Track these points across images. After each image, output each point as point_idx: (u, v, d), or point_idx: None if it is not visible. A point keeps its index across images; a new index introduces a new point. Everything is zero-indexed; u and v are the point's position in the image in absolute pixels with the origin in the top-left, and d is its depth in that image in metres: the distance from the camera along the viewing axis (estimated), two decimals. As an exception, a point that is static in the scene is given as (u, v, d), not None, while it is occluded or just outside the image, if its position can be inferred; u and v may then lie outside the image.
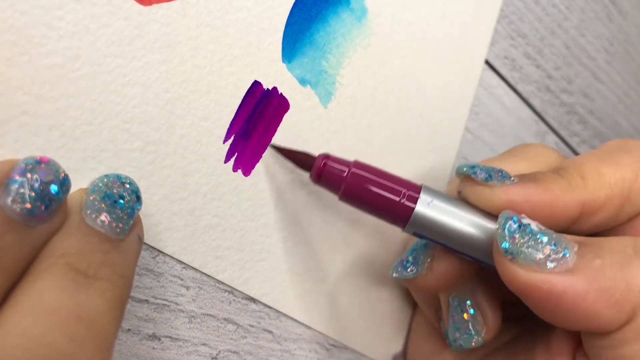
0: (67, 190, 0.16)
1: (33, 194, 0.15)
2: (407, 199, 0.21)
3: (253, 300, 0.23)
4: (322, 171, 0.21)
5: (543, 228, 0.19)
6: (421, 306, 0.27)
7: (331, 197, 0.25)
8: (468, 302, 0.23)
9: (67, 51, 0.18)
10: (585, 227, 0.21)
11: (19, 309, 0.14)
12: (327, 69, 0.24)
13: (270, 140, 0.23)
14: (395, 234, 0.28)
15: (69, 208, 0.16)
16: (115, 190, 0.17)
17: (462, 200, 0.21)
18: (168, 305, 0.21)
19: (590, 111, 0.40)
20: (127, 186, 0.17)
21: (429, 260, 0.22)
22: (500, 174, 0.20)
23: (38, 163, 0.15)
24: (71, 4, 0.18)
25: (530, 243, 0.18)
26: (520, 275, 0.18)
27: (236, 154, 0.22)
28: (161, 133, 0.20)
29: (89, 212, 0.16)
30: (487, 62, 0.32)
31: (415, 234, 0.21)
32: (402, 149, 0.28)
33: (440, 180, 0.30)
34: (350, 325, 0.27)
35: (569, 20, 0.37)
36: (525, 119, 0.35)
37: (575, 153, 0.40)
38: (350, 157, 0.25)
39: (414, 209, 0.20)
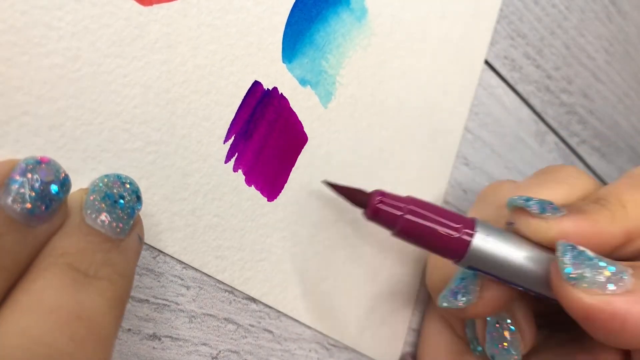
0: (68, 190, 0.16)
1: (33, 193, 0.15)
2: (464, 234, 0.21)
3: (253, 300, 0.23)
4: (377, 210, 0.21)
5: (597, 254, 0.20)
6: (446, 316, 0.27)
7: (331, 197, 0.25)
8: (508, 320, 0.24)
9: (67, 51, 0.18)
10: (628, 253, 0.22)
11: (19, 308, 0.14)
12: (327, 69, 0.24)
13: (273, 142, 0.23)
14: (395, 234, 0.28)
15: (69, 208, 0.16)
16: (115, 190, 0.17)
17: (513, 231, 0.22)
18: (168, 305, 0.21)
19: (590, 111, 0.41)
20: (128, 186, 0.17)
21: (478, 288, 0.22)
22: (551, 206, 0.21)
23: (38, 163, 0.15)
24: (71, 4, 0.18)
25: (590, 268, 0.19)
26: (583, 299, 0.19)
27: (237, 154, 0.22)
28: (162, 133, 0.20)
29: (89, 212, 0.16)
30: (487, 62, 0.32)
31: (469, 268, 0.22)
32: (402, 149, 0.28)
33: (440, 180, 0.30)
34: (350, 325, 0.27)
35: (568, 21, 0.37)
36: (525, 119, 0.35)
37: (575, 153, 0.40)
38: (350, 156, 0.25)
39: (470, 243, 0.21)
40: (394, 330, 0.29)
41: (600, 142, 0.42)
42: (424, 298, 0.30)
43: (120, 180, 0.17)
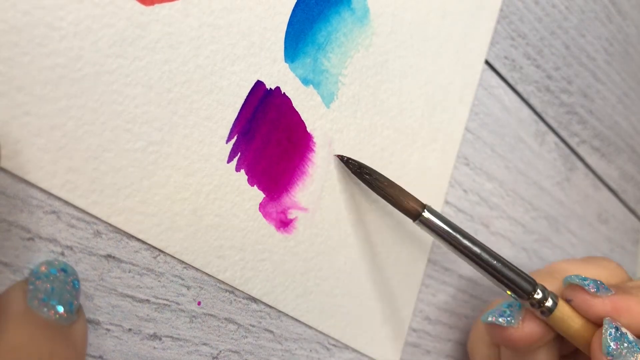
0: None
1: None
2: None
3: (254, 300, 0.23)
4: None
5: (636, 338, 0.23)
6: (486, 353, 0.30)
7: (332, 197, 0.25)
8: None
9: (69, 51, 0.18)
10: None
11: None
12: (330, 69, 0.24)
13: (275, 142, 0.23)
14: (396, 234, 0.28)
15: (11, 299, 0.16)
16: (55, 284, 0.17)
17: (571, 306, 0.25)
18: (169, 305, 0.21)
19: (590, 111, 0.41)
20: (64, 273, 0.17)
21: (521, 318, 0.25)
22: (604, 286, 0.24)
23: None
24: (73, 4, 0.18)
25: (628, 349, 0.22)
26: None
27: (239, 154, 0.22)
28: (163, 133, 0.20)
29: (34, 301, 0.16)
30: (487, 62, 0.32)
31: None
32: (403, 149, 0.28)
33: (441, 180, 0.30)
34: (350, 325, 0.27)
35: (568, 21, 0.37)
36: (525, 119, 0.35)
37: (575, 153, 0.40)
38: (352, 156, 0.25)
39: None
40: (395, 330, 0.29)
41: (600, 142, 0.42)
42: (424, 298, 0.30)
43: (55, 269, 0.17)
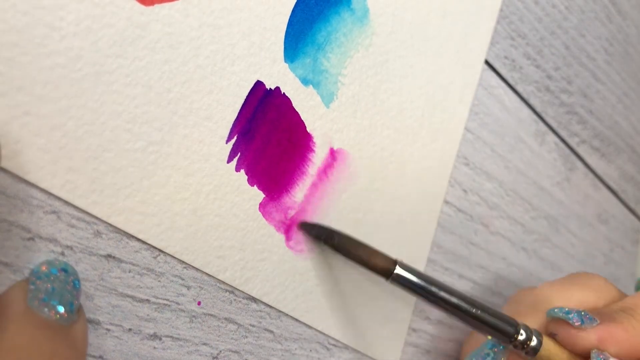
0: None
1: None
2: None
3: (254, 299, 0.23)
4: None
5: None
6: None
7: (332, 197, 0.25)
8: None
9: (69, 51, 0.18)
10: None
11: None
12: (329, 69, 0.24)
13: (275, 142, 0.23)
14: (396, 234, 0.28)
15: (12, 299, 0.16)
16: (56, 284, 0.17)
17: (556, 340, 0.25)
18: (169, 305, 0.21)
19: (590, 111, 0.41)
20: (64, 272, 0.17)
21: (504, 359, 0.25)
22: (588, 317, 0.24)
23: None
24: (73, 4, 0.18)
25: None
26: None
27: (239, 154, 0.22)
28: (163, 133, 0.20)
29: (34, 302, 0.16)
30: (487, 62, 0.32)
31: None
32: (403, 149, 0.28)
33: (440, 180, 0.30)
34: (350, 325, 0.27)
35: (568, 21, 0.37)
36: (525, 119, 0.35)
37: (575, 153, 0.40)
38: (350, 156, 0.25)
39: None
40: (395, 330, 0.29)
41: (600, 142, 0.42)
42: (424, 298, 0.30)
43: (55, 269, 0.17)
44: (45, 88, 0.17)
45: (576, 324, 0.24)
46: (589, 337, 0.24)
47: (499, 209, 0.34)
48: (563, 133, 0.39)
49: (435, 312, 0.31)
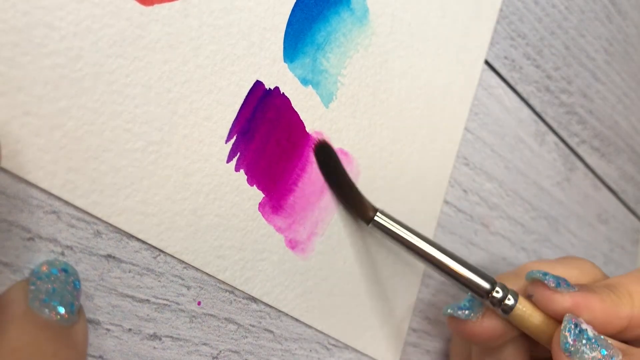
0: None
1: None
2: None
3: (254, 299, 0.23)
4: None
5: (597, 334, 0.23)
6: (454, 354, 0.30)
7: (331, 196, 0.25)
8: None
9: (69, 51, 0.18)
10: (629, 337, 0.24)
11: None
12: (329, 69, 0.24)
13: (275, 142, 0.23)
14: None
15: (12, 299, 0.16)
16: (56, 285, 0.17)
17: (531, 302, 0.25)
18: (169, 305, 0.21)
19: (590, 111, 0.41)
20: (64, 273, 0.17)
21: (480, 313, 0.25)
22: (565, 282, 0.24)
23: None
24: (73, 4, 0.18)
25: (586, 346, 0.22)
26: None
27: (238, 154, 0.22)
28: (163, 133, 0.20)
29: (35, 302, 0.16)
30: (486, 63, 0.32)
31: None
32: (402, 149, 0.28)
33: (440, 180, 0.30)
34: (350, 325, 0.27)
35: (568, 21, 0.37)
36: (525, 119, 0.35)
37: (575, 153, 0.40)
38: (350, 155, 0.25)
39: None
40: (395, 330, 0.29)
41: (600, 142, 0.42)
42: (424, 298, 0.30)
43: (56, 269, 0.17)
44: (45, 88, 0.17)
45: (552, 285, 0.24)
46: (563, 299, 0.24)
47: (499, 209, 0.34)
48: (563, 133, 0.39)
49: (435, 312, 0.31)
